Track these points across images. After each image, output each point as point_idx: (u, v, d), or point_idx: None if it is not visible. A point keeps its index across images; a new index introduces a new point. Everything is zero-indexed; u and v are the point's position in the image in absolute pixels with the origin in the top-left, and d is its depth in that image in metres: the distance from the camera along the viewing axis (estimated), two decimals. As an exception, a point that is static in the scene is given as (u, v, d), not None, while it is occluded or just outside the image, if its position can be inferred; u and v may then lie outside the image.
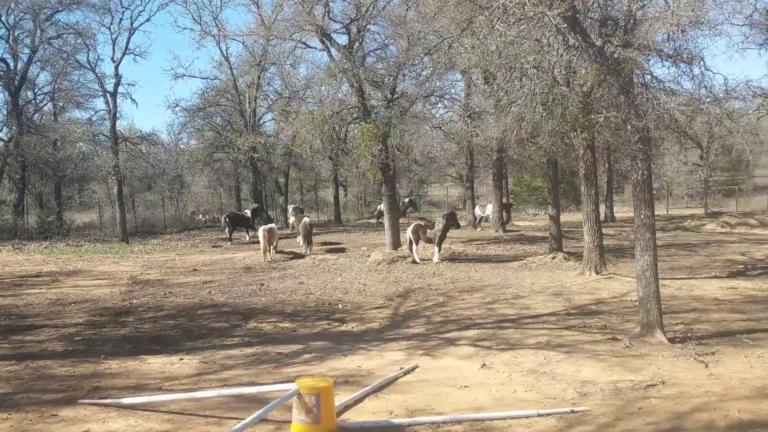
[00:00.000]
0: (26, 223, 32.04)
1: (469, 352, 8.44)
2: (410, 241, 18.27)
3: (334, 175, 41.15)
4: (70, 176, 35.54)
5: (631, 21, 9.08)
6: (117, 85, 31.84)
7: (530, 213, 41.12)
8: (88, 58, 33.13)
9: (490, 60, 10.00)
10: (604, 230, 16.35)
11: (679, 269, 15.65)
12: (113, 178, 31.41)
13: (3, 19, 32.61)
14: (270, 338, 9.63)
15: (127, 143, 34.82)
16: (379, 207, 33.99)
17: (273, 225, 21.81)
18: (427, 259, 18.14)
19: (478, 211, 30.53)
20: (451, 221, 18.46)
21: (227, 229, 27.60)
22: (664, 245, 19.49)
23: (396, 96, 20.11)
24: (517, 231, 27.65)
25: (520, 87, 12.09)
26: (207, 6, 38.52)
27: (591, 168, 15.53)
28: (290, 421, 5.73)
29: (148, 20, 44.11)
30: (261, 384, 7.07)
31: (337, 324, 10.56)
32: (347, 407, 6.30)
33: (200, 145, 41.71)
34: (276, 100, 38.96)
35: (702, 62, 9.62)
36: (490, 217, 28.44)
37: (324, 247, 22.89)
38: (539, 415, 6.00)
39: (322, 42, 20.06)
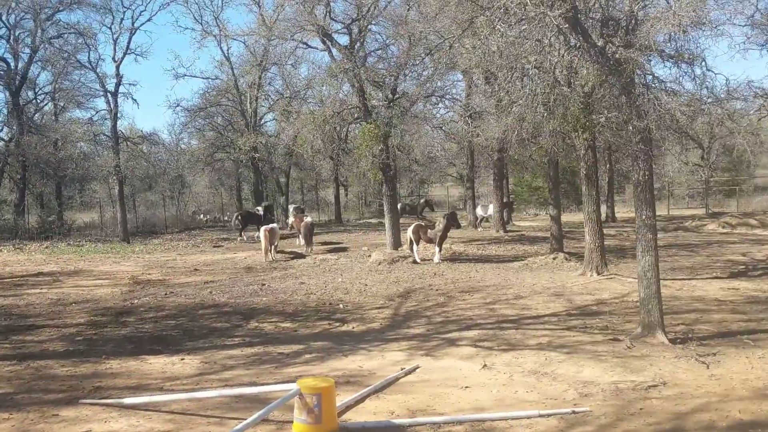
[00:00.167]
0: (27, 223, 32.04)
1: (470, 352, 8.44)
2: (411, 241, 18.27)
3: (334, 175, 41.15)
4: (71, 176, 35.56)
5: (633, 21, 9.07)
6: (118, 84, 31.86)
7: (531, 213, 41.11)
8: (89, 57, 33.15)
9: (491, 60, 10.00)
10: (605, 230, 16.34)
11: (680, 270, 15.64)
12: (114, 177, 31.43)
13: (4, 18, 32.64)
14: (271, 338, 9.64)
15: (128, 143, 34.83)
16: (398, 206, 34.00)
17: (274, 225, 21.80)
18: (428, 259, 18.14)
19: (480, 211, 30.52)
20: (452, 221, 18.45)
21: (239, 226, 27.79)
22: (665, 246, 19.48)
23: (397, 96, 20.12)
24: (517, 231, 27.64)
25: (521, 87, 12.09)
26: (208, 6, 38.58)
27: (592, 168, 15.52)
28: (292, 421, 5.74)
29: (149, 20, 44.49)
30: (262, 384, 7.08)
31: (338, 324, 10.56)
32: (348, 407, 6.31)
33: (201, 145, 41.78)
34: (277, 100, 39.00)
35: (703, 63, 9.61)
36: (492, 217, 28.44)
37: (325, 247, 22.89)
38: (540, 416, 6.00)
39: (324, 42, 20.07)
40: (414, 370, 7.65)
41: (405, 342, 9.12)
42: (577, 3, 8.78)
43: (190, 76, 40.23)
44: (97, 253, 23.71)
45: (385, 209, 21.29)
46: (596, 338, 9.04)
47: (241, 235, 27.56)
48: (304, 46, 21.82)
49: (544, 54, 9.88)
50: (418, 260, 17.80)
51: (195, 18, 36.71)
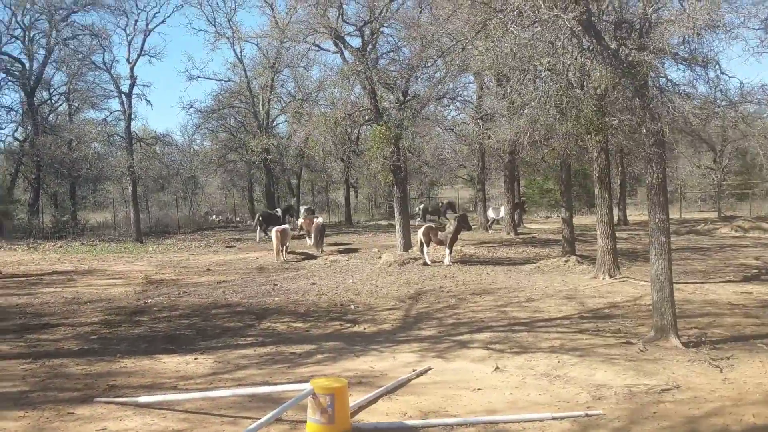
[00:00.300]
0: (41, 223, 32.31)
1: (481, 354, 8.45)
2: (421, 243, 18.29)
3: (345, 176, 41.24)
4: (84, 176, 35.80)
5: (646, 24, 9.06)
6: (132, 86, 32.06)
7: (542, 216, 41.02)
8: (103, 59, 33.40)
9: (504, 62, 10.01)
10: (617, 233, 16.29)
11: (692, 273, 15.57)
12: (128, 178, 31.64)
13: (19, 19, 32.97)
14: (283, 338, 9.69)
15: (142, 144, 35.06)
16: (419, 208, 33.86)
17: (286, 226, 21.91)
18: (438, 261, 18.15)
19: (491, 213, 30.49)
20: (463, 223, 18.45)
21: (259, 227, 27.92)
22: (678, 249, 19.38)
23: (408, 98, 20.15)
24: (529, 234, 27.59)
25: (534, 89, 12.09)
26: (221, 8, 38.94)
27: (605, 171, 15.48)
28: (305, 421, 5.77)
29: (163, 22, 44.46)
30: (275, 384, 7.11)
31: (349, 325, 10.60)
32: (361, 408, 6.34)
33: (214, 147, 41.99)
34: (289, 102, 39.21)
35: (717, 66, 9.57)
36: (503, 219, 28.41)
37: (335, 248, 22.95)
38: (553, 419, 6.01)
39: (336, 44, 20.14)
40: (426, 371, 7.67)
41: (416, 343, 9.14)
42: (590, 6, 8.78)
43: (204, 77, 40.62)
44: (111, 252, 23.89)
45: (395, 211, 21.32)
46: (609, 341, 9.02)
47: (265, 234, 27.58)
48: (317, 48, 21.92)
49: (557, 56, 9.87)
50: (429, 262, 17.82)
51: (208, 20, 37.01)
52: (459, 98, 22.95)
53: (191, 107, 40.19)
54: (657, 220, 8.86)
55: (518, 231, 27.57)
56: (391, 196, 38.06)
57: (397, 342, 9.25)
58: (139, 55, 32.59)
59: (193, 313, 11.76)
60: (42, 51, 33.76)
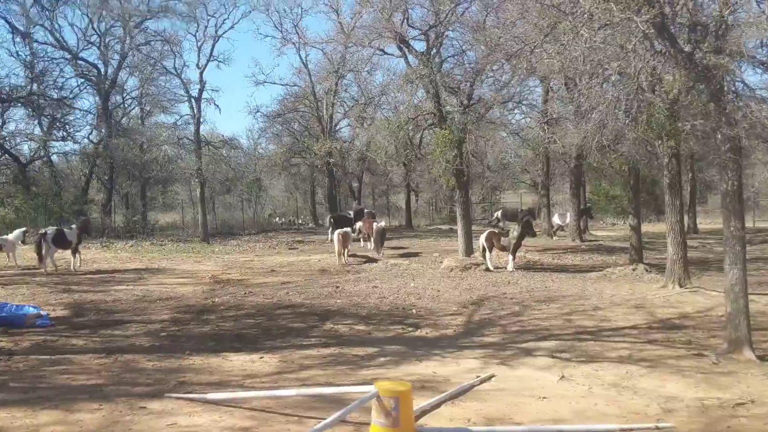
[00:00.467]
0: (113, 222, 33.52)
1: (546, 363, 8.31)
2: (483, 248, 18.13)
3: (406, 180, 41.37)
4: (155, 178, 37.03)
5: (722, 26, 8.75)
6: (201, 90, 32.99)
7: (608, 222, 40.08)
8: (174, 64, 34.46)
9: (573, 66, 9.85)
10: (687, 242, 15.78)
11: (767, 284, 14.93)
12: (196, 180, 32.53)
13: (95, 26, 34.34)
14: (346, 340, 9.76)
15: (210, 147, 35.98)
16: (497, 213, 33.37)
17: (348, 229, 22.08)
18: (501, 268, 17.95)
19: (557, 219, 29.98)
20: (527, 229, 18.22)
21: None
22: (751, 259, 18.55)
23: (473, 102, 20.04)
24: (594, 240, 27.01)
25: (602, 93, 11.84)
26: (288, 14, 39.56)
27: (676, 177, 15.00)
28: (369, 423, 5.79)
29: (231, 28, 45.73)
30: (339, 385, 7.17)
31: (411, 329, 10.60)
32: (424, 412, 6.32)
33: (278, 150, 42.74)
34: (352, 106, 39.56)
35: (797, 69, 9.19)
36: (568, 225, 27.89)
37: (396, 251, 23.00)
38: (622, 430, 5.86)
39: (400, 48, 20.21)
40: (489, 378, 7.60)
41: (479, 350, 9.06)
42: (663, 8, 8.55)
43: (270, 82, 41.40)
44: (179, 252, 24.59)
45: (457, 215, 21.18)
46: (679, 353, 8.75)
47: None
48: (381, 52, 22.03)
49: (627, 60, 9.66)
50: (491, 268, 17.64)
51: (275, 26, 37.76)
52: (524, 102, 22.70)
53: (257, 111, 41.11)
54: (732, 228, 8.54)
55: (584, 238, 27.02)
56: (453, 201, 37.85)
57: (459, 348, 9.20)
58: (208, 61, 33.56)
59: (258, 313, 11.98)
60: (116, 56, 35.04)
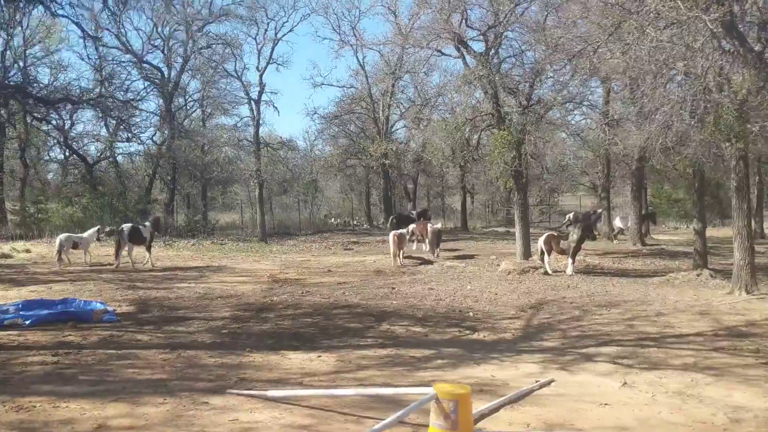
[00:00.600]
0: (175, 221, 34.40)
1: (608, 369, 8.13)
2: (542, 251, 17.88)
3: (462, 182, 41.13)
4: (215, 178, 37.83)
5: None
6: (261, 93, 33.55)
7: (670, 226, 38.99)
8: (235, 67, 35.16)
9: (638, 66, 9.62)
10: (754, 247, 15.20)
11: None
12: (255, 181, 33.08)
13: (159, 30, 35.32)
14: (402, 341, 9.76)
15: (268, 148, 36.54)
16: (569, 216, 32.68)
17: (403, 230, 22.10)
18: (560, 271, 17.66)
19: (618, 222, 29.30)
20: (587, 232, 17.87)
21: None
22: (826, 266, 17.83)
23: (532, 102, 19.79)
24: (656, 245, 26.29)
25: (666, 94, 11.54)
26: (346, 16, 40.00)
27: (743, 180, 14.47)
28: (427, 425, 5.78)
29: (290, 31, 46.39)
30: (396, 386, 7.18)
31: (468, 332, 10.52)
32: (483, 416, 6.27)
33: (334, 152, 43.07)
34: (408, 107, 39.59)
35: None
36: (629, 229, 27.24)
37: (452, 253, 22.89)
38: (688, 440, 5.69)
39: (458, 49, 20.11)
40: (549, 383, 7.48)
41: (538, 354, 8.93)
42: (733, 6, 8.29)
43: (327, 84, 41.77)
44: (238, 251, 25.07)
45: (515, 217, 20.94)
46: (747, 361, 8.43)
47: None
48: (438, 53, 21.96)
49: (694, 59, 9.39)
50: (550, 271, 17.37)
51: (333, 28, 38.20)
52: (585, 103, 22.29)
53: (315, 113, 41.53)
54: (807, 233, 8.19)
55: (645, 242, 26.35)
56: (509, 203, 37.47)
57: (518, 352, 9.08)
58: (267, 63, 34.11)
59: (316, 312, 12.09)
60: (179, 60, 35.95)
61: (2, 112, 32.09)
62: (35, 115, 33.44)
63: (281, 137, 40.22)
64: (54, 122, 34.98)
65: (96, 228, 21.18)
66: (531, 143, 19.48)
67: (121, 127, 34.45)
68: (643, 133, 13.67)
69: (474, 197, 50.55)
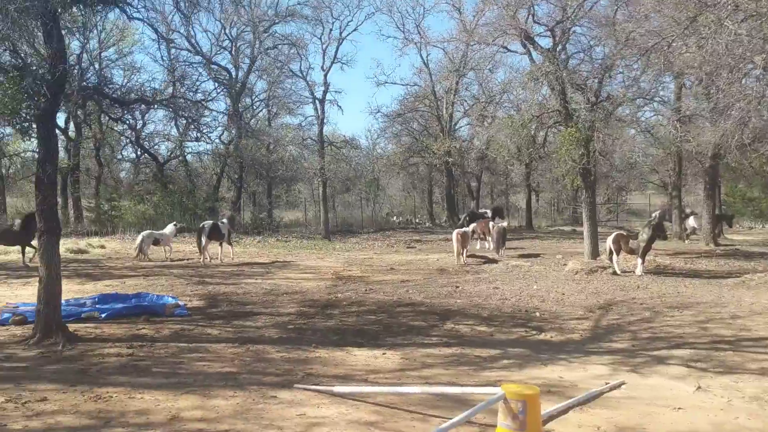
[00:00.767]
0: (242, 219, 35.16)
1: (680, 372, 7.88)
2: (610, 251, 17.44)
3: (527, 180, 40.59)
4: (280, 177, 38.47)
5: None
6: (325, 92, 33.93)
7: (745, 226, 37.48)
8: (300, 66, 35.65)
9: (716, 60, 9.27)
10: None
11: None
12: (318, 179, 33.48)
13: (227, 31, 36.14)
14: (467, 341, 9.69)
15: (332, 147, 36.92)
16: (654, 214, 31.48)
17: (466, 229, 21.98)
18: (628, 271, 17.20)
19: (692, 221, 28.34)
20: (658, 232, 17.34)
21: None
22: None
23: (601, 99, 19.33)
24: (730, 245, 25.32)
25: (743, 89, 11.10)
26: (410, 14, 40.03)
27: (828, 178, 13.81)
28: (494, 425, 5.73)
29: (355, 30, 46.66)
30: (462, 385, 7.14)
31: (534, 332, 10.37)
32: (551, 417, 6.17)
33: (397, 150, 43.16)
34: (473, 104, 39.30)
35: None
36: (702, 228, 26.32)
37: (516, 252, 22.62)
38: (769, 448, 5.46)
39: (524, 45, 19.84)
40: (620, 385, 7.30)
41: (608, 356, 8.72)
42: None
43: (390, 83, 42.08)
44: (302, 248, 25.44)
45: (583, 216, 20.50)
46: (831, 367, 8.03)
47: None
48: (504, 50, 21.72)
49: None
50: (619, 272, 16.94)
51: (397, 26, 38.34)
52: (656, 99, 21.65)
53: (378, 112, 41.70)
54: None
55: (718, 242, 25.40)
56: (576, 201, 36.74)
57: (586, 353, 8.90)
58: (332, 63, 34.43)
59: (380, 310, 12.14)
60: (246, 60, 36.68)
61: (79, 112, 33.42)
62: (111, 115, 34.72)
63: (344, 136, 40.65)
64: (127, 122, 36.26)
65: (174, 224, 22.09)
66: (599, 140, 19.04)
67: (191, 126, 35.41)
68: (718, 130, 13.17)
69: (539, 195, 49.83)
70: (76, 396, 6.72)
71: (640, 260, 17.07)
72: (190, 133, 36.54)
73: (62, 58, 9.43)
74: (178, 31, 33.61)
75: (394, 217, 44.33)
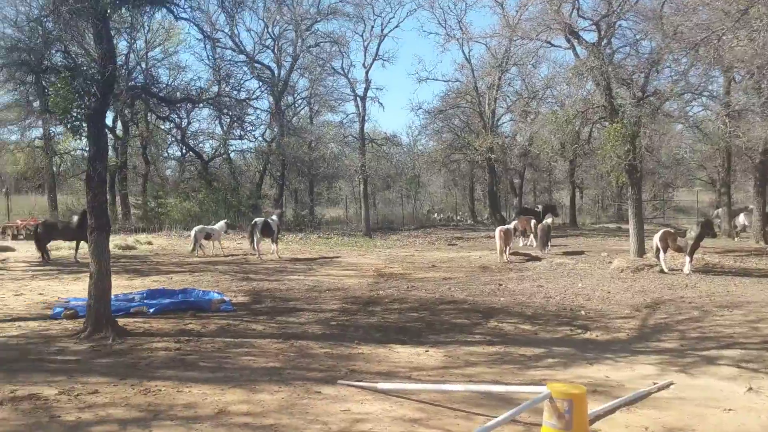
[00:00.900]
0: (284, 216, 35.49)
1: (731, 372, 7.69)
2: (657, 248, 17.09)
3: (571, 177, 40.05)
4: (322, 174, 38.71)
5: None
6: (366, 89, 33.91)
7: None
8: (341, 64, 35.70)
9: (766, 53, 9.01)
10: None
11: None
12: (359, 176, 33.58)
13: (270, 30, 36.48)
14: (511, 339, 9.63)
15: (373, 144, 36.97)
16: (716, 212, 30.66)
17: (509, 226, 21.81)
18: (676, 270, 16.84)
19: (742, 219, 27.58)
20: (707, 229, 16.92)
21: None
22: None
23: (647, 94, 18.93)
24: (782, 243, 24.57)
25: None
26: (452, 10, 39.79)
27: None
28: (539, 424, 5.68)
29: (396, 26, 46.81)
30: (506, 384, 7.10)
31: (579, 331, 10.24)
32: (598, 417, 6.09)
33: (438, 147, 42.99)
34: (515, 100, 38.94)
35: None
36: (753, 226, 25.59)
37: (560, 249, 22.35)
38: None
39: (568, 40, 19.54)
40: (668, 386, 7.17)
41: (655, 356, 8.57)
42: None
43: (432, 79, 41.82)
44: (344, 245, 25.57)
45: (629, 213, 20.12)
46: None
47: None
48: (548, 45, 21.45)
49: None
50: (666, 270, 16.59)
51: (439, 22, 38.11)
52: (705, 93, 21.11)
53: (419, 108, 41.61)
54: None
55: (770, 240, 24.67)
56: (621, 198, 36.11)
57: (633, 352, 8.75)
58: (374, 60, 34.40)
59: (422, 307, 12.14)
60: (288, 59, 36.98)
61: (126, 111, 34.15)
62: (158, 114, 35.40)
63: (385, 133, 40.60)
64: (173, 121, 36.93)
65: (224, 220, 22.83)
66: (646, 136, 18.65)
67: (235, 125, 35.85)
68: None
69: (583, 192, 49.13)
70: (126, 389, 6.90)
71: (688, 258, 16.70)
72: (233, 131, 37.02)
73: (111, 58, 9.67)
74: (223, 31, 34.03)
75: (435, 215, 44.19)
